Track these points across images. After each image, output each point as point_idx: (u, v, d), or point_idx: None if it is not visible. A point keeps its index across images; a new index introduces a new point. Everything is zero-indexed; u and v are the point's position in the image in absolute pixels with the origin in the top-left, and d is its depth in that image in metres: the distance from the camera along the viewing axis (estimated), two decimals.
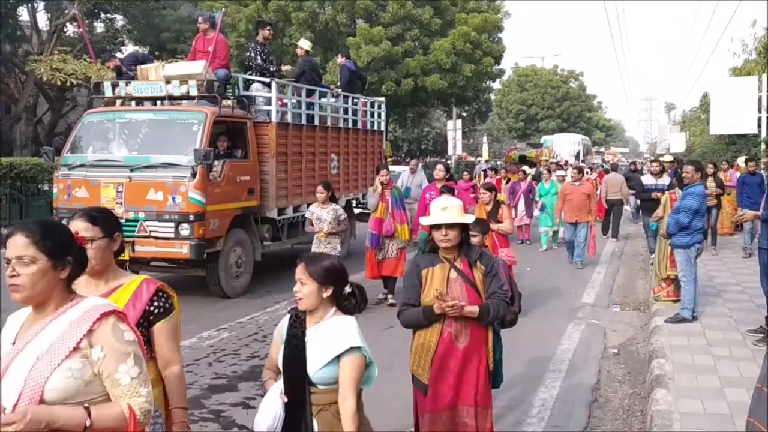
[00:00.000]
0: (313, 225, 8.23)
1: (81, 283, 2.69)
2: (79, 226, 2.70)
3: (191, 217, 8.66)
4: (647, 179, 12.42)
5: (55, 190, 9.63)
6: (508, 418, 5.41)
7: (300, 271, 2.88)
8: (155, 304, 2.81)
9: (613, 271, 12.26)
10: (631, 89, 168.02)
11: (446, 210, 3.63)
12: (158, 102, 9.86)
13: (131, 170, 8.89)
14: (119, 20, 30.08)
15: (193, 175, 8.66)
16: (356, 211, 13.64)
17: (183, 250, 8.66)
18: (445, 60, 25.98)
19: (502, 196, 15.25)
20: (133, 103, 10.01)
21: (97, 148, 9.54)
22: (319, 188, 8.30)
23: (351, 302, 2.96)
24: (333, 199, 8.51)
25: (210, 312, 8.71)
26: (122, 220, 8.68)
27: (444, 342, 3.66)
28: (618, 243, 16.00)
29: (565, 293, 10.28)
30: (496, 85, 45.87)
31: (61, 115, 29.38)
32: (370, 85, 22.27)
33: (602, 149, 59.67)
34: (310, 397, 2.86)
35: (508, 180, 16.54)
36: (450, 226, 3.61)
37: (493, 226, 7.74)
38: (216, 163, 9.11)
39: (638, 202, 17.18)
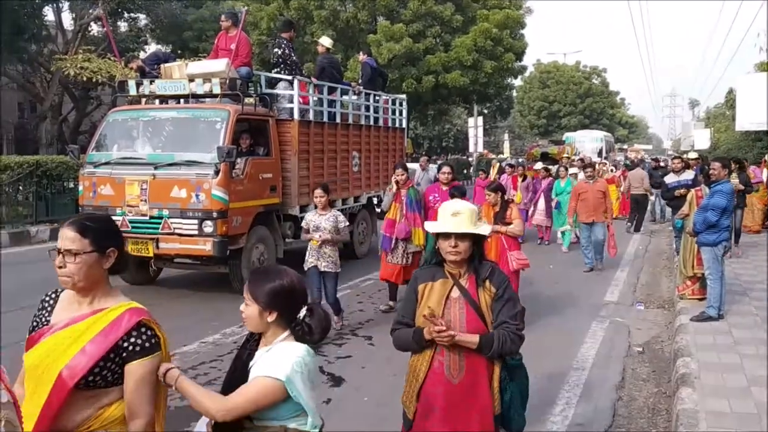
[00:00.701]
0: (309, 233, 7.47)
1: (65, 299, 2.52)
2: (67, 236, 2.40)
3: (214, 215, 8.71)
4: (670, 178, 12.26)
5: (80, 188, 9.74)
6: (530, 416, 5.34)
7: (245, 290, 2.54)
8: (132, 339, 2.38)
9: (636, 269, 12.15)
10: (654, 85, 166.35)
11: (458, 216, 3.06)
12: (181, 100, 9.93)
13: (155, 168, 8.96)
14: (142, 19, 30.40)
15: (216, 172, 8.71)
16: (378, 210, 13.65)
17: (206, 247, 8.72)
18: (466, 57, 25.92)
19: (519, 194, 14.97)
20: (157, 101, 10.10)
21: (122, 146, 9.63)
22: (318, 192, 7.45)
23: (303, 329, 2.51)
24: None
25: (233, 308, 8.66)
26: (146, 218, 8.82)
27: (434, 374, 3.09)
28: (642, 240, 15.88)
29: (588, 291, 10.20)
30: (518, 81, 45.65)
31: (85, 113, 29.75)
32: (391, 82, 22.28)
33: (625, 146, 59.08)
34: None
35: (525, 177, 16.00)
36: (461, 236, 3.05)
37: (501, 228, 7.51)
38: (239, 160, 9.17)
39: (661, 201, 17.31)
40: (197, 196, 8.72)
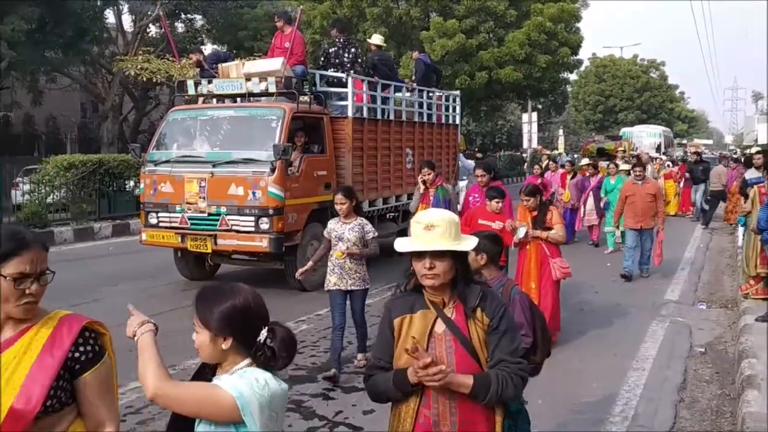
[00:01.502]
0: (331, 245, 6.20)
1: None
2: (42, 256, 2.12)
3: (270, 212, 8.83)
4: (750, 173, 11.81)
5: (141, 186, 10.02)
6: (589, 416, 5.31)
7: (194, 315, 2.19)
8: (81, 348, 2.11)
9: (698, 267, 11.83)
10: (716, 78, 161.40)
11: (432, 230, 2.45)
12: (238, 99, 10.09)
13: (213, 166, 9.13)
14: (199, 20, 31.00)
15: (272, 170, 8.82)
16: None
17: (263, 243, 8.85)
18: (519, 51, 25.64)
19: (567, 192, 14.19)
20: (215, 100, 10.29)
21: (181, 144, 9.83)
22: (338, 197, 6.15)
23: (266, 353, 2.17)
24: (358, 211, 6.34)
25: (288, 304, 8.86)
26: (205, 215, 9.03)
27: (420, 429, 2.52)
28: (703, 237, 15.48)
29: (648, 290, 9.98)
30: (573, 76, 44.96)
31: (144, 113, 30.59)
32: (444, 78, 22.19)
33: (684, 141, 57.59)
34: None
35: (574, 174, 14.76)
36: (437, 254, 2.44)
37: (542, 233, 6.85)
38: (294, 157, 9.27)
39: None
40: (254, 193, 8.86)
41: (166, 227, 9.44)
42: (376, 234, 6.35)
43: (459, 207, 9.58)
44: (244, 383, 2.07)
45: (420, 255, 2.46)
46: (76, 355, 2.10)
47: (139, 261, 11.54)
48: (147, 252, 10.87)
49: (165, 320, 6.83)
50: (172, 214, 9.36)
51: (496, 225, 6.75)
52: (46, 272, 2.10)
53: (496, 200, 6.94)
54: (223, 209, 9.01)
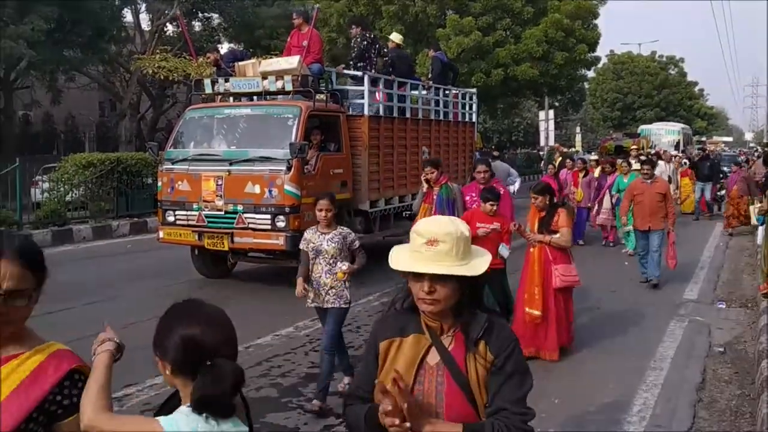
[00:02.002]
0: (309, 259, 5.46)
1: None
2: (7, 272, 1.77)
3: (287, 210, 8.86)
4: None
5: (159, 184, 10.08)
6: (606, 416, 5.28)
7: None
8: (65, 392, 1.85)
9: (717, 266, 11.71)
10: (736, 74, 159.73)
11: (435, 246, 1.99)
12: (255, 97, 10.12)
13: (230, 164, 9.17)
14: (215, 19, 31.13)
15: (289, 168, 8.85)
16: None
17: (279, 241, 8.87)
18: (536, 48, 25.52)
19: (580, 192, 13.74)
20: (231, 99, 10.33)
21: (198, 142, 9.89)
22: (323, 203, 5.37)
23: (196, 393, 1.81)
24: (339, 219, 5.65)
25: (303, 303, 8.87)
26: (222, 213, 9.08)
27: None
28: (722, 236, 15.33)
29: (666, 289, 9.88)
30: (591, 73, 44.65)
31: (162, 111, 30.75)
32: (460, 76, 22.14)
33: (704, 139, 56.99)
34: None
35: (586, 173, 14.17)
36: (439, 278, 1.99)
37: (545, 237, 6.54)
38: (310, 155, 9.28)
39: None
40: (270, 191, 8.89)
41: (183, 225, 9.50)
42: (358, 243, 5.60)
43: None
44: (189, 422, 1.81)
45: (418, 275, 2.00)
46: (58, 398, 1.84)
47: (157, 258, 11.62)
48: (164, 250, 10.95)
49: None
50: (189, 212, 9.42)
51: (494, 226, 6.64)
52: (22, 294, 1.77)
53: (491, 203, 6.67)
54: (239, 207, 9.04)
